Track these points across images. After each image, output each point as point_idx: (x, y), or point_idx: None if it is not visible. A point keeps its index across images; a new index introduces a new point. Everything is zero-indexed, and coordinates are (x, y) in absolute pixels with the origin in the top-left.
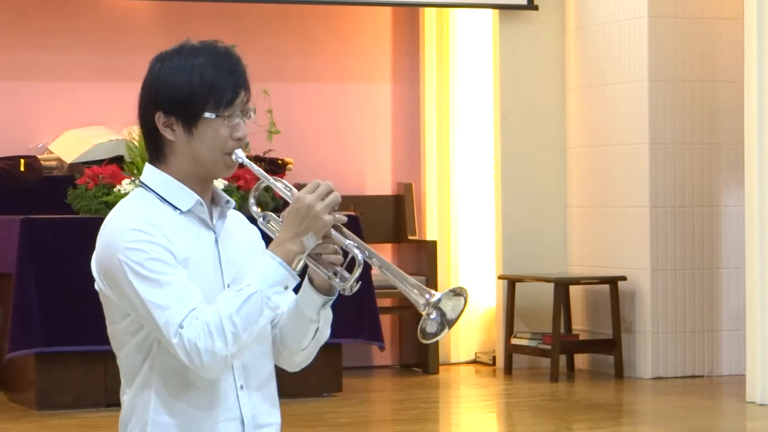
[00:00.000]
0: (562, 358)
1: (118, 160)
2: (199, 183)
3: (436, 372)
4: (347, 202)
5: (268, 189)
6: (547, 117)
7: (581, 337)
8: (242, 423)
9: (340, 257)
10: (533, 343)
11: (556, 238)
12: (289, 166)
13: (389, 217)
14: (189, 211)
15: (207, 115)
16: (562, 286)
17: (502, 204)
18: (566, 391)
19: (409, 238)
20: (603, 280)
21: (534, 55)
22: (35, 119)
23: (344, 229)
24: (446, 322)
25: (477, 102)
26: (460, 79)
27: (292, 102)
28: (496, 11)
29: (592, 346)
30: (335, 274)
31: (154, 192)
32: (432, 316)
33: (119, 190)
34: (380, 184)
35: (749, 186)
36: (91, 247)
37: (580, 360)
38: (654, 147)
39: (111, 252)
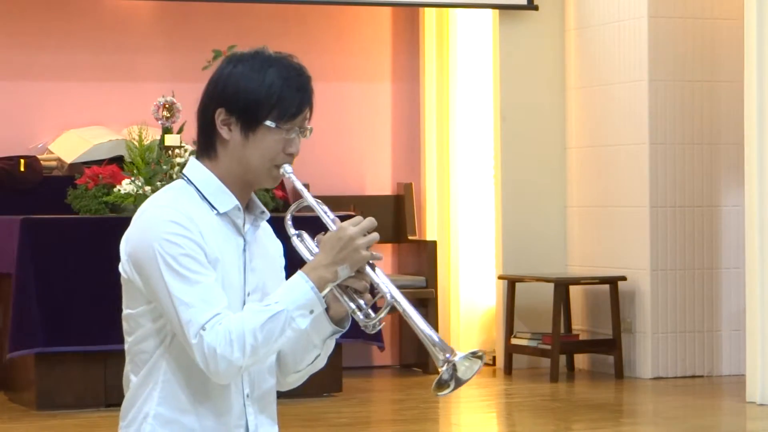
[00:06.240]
0: (562, 358)
1: (118, 160)
2: (242, 187)
3: (436, 372)
4: (347, 202)
5: (268, 190)
6: (547, 117)
7: (581, 337)
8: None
9: (368, 294)
10: (533, 343)
11: (556, 238)
12: None
13: (389, 217)
14: (225, 214)
15: (268, 123)
16: (562, 286)
17: (502, 204)
18: (566, 391)
19: (409, 238)
20: (603, 280)
21: (534, 55)
22: (35, 119)
23: (377, 268)
24: (456, 381)
25: (477, 102)
26: (460, 79)
27: None
28: (496, 11)
29: (592, 346)
30: (360, 309)
31: (195, 188)
32: (444, 375)
33: (119, 190)
34: (380, 184)
35: (749, 186)
36: (91, 247)
37: (580, 360)
38: (654, 147)
39: (147, 239)
